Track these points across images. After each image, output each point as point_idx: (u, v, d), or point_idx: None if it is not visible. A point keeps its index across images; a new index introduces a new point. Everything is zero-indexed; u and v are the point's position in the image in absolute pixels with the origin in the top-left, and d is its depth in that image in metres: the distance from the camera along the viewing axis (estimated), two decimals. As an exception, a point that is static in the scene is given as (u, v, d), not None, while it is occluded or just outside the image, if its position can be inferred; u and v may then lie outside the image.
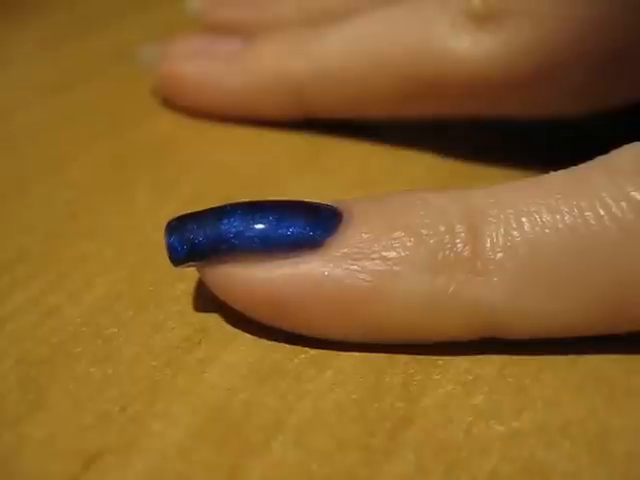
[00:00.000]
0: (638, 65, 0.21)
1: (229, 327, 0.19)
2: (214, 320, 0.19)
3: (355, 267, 0.18)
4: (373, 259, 0.18)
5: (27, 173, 0.24)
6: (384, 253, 0.18)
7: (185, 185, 0.24)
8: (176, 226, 0.18)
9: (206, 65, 0.26)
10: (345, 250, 0.18)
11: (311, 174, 0.24)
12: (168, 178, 0.24)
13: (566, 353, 0.18)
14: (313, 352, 0.18)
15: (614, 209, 0.17)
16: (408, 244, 0.18)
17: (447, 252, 0.17)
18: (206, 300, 0.19)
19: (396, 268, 0.17)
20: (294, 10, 0.28)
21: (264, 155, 0.25)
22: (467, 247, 0.17)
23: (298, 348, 0.18)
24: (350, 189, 0.23)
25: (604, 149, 0.18)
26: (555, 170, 0.18)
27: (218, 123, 0.26)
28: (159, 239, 0.19)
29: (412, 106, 0.24)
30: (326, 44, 0.25)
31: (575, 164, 0.18)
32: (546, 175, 0.18)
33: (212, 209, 0.19)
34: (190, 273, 0.20)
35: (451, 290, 0.17)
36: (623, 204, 0.17)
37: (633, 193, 0.17)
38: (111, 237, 0.22)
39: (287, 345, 0.18)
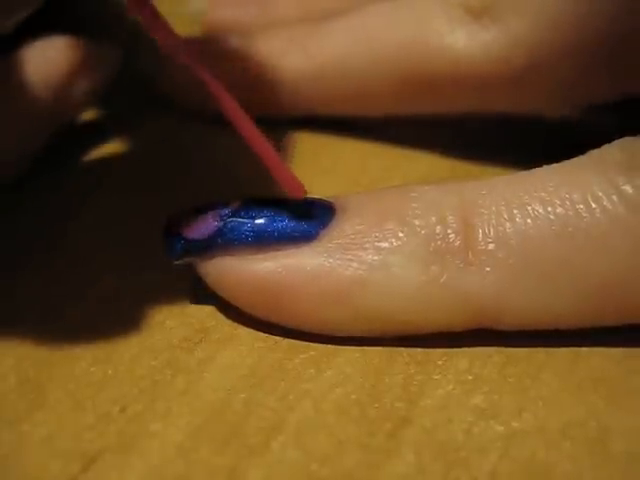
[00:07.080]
0: (634, 60, 0.21)
1: (229, 327, 0.19)
2: (214, 320, 0.19)
3: (348, 257, 0.18)
4: (366, 249, 0.18)
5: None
6: (377, 243, 0.18)
7: (184, 185, 0.24)
8: (173, 223, 0.19)
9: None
10: (338, 241, 0.18)
11: (310, 173, 0.24)
12: (167, 178, 0.24)
13: (566, 353, 0.18)
14: (313, 352, 0.18)
15: (605, 202, 0.17)
16: (400, 234, 0.18)
17: (439, 242, 0.18)
18: (206, 300, 0.19)
19: (389, 258, 0.18)
20: (295, 10, 0.28)
21: (263, 155, 0.25)
22: (459, 238, 0.18)
23: (298, 348, 0.18)
24: (349, 188, 0.23)
25: (600, 144, 0.18)
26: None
27: (217, 123, 0.26)
28: (159, 239, 0.19)
29: (409, 102, 0.24)
30: (323, 41, 0.25)
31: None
32: (538, 168, 0.18)
33: (208, 205, 0.19)
34: (190, 273, 0.20)
35: (443, 280, 0.17)
36: (614, 197, 0.17)
37: (624, 186, 0.17)
38: (111, 237, 0.22)
39: (287, 345, 0.18)
